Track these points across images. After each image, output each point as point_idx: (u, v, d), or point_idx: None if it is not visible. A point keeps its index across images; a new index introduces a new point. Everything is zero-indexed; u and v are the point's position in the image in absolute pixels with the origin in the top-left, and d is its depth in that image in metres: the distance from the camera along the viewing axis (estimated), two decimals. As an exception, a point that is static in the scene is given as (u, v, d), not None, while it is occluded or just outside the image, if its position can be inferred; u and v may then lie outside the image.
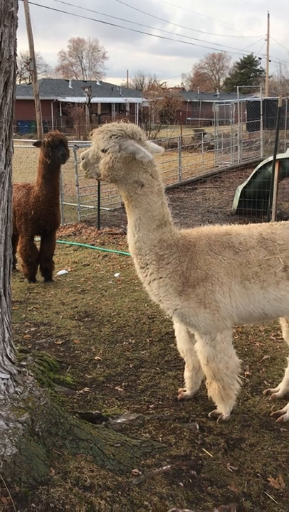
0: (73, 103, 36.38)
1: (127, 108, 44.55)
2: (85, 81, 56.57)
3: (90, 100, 30.17)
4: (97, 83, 53.85)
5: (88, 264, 7.28)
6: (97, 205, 9.44)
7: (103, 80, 60.67)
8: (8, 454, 2.38)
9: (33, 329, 4.79)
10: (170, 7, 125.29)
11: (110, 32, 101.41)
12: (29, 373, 2.72)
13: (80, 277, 6.67)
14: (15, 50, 2.22)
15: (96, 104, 34.17)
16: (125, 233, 8.73)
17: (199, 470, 2.74)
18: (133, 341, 4.56)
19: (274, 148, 7.92)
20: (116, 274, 6.70)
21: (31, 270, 6.40)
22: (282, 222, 3.21)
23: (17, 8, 2.20)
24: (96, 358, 4.20)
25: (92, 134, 2.87)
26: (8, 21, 2.09)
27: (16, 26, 2.23)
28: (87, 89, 28.89)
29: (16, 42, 2.25)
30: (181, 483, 2.60)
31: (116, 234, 8.75)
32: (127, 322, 5.02)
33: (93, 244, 8.27)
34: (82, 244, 8.30)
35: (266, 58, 49.81)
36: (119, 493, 2.43)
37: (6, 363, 2.59)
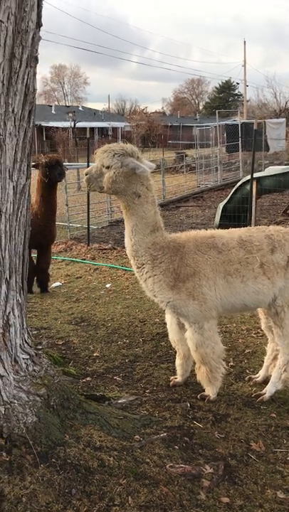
0: (57, 128, 37.23)
1: (110, 132, 45.56)
2: (68, 106, 57.73)
3: (75, 124, 30.95)
4: (80, 108, 55.00)
5: (80, 277, 7.73)
6: (87, 222, 9.94)
7: (85, 105, 61.93)
8: (30, 421, 2.80)
9: (34, 332, 5.20)
10: (148, 34, 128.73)
11: (91, 58, 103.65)
12: (44, 356, 3.17)
13: (74, 288, 7.11)
14: (36, 85, 2.74)
15: (81, 128, 35.01)
16: (114, 248, 9.29)
17: (191, 437, 3.19)
18: (127, 341, 5.01)
19: (251, 167, 8.56)
20: (107, 285, 7.16)
21: (28, 282, 6.80)
22: (258, 226, 3.76)
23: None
24: (95, 354, 4.64)
25: (95, 153, 3.39)
26: (33, 63, 2.61)
27: (36, 66, 2.75)
28: (71, 114, 29.67)
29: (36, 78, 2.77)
30: (176, 447, 3.05)
31: (105, 249, 9.23)
32: (120, 325, 5.47)
33: (84, 259, 8.73)
34: (73, 259, 8.76)
35: (244, 83, 51.63)
36: (125, 453, 2.87)
37: (25, 346, 3.03)
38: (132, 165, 3.27)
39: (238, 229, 3.74)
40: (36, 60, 2.64)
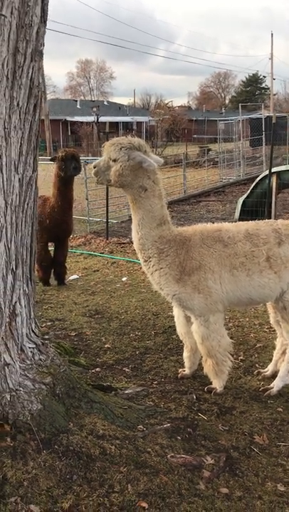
0: (81, 122, 37.47)
1: (134, 127, 45.58)
2: (93, 101, 57.96)
3: (98, 119, 31.10)
4: (105, 103, 55.18)
5: (98, 270, 7.81)
6: (106, 217, 10.01)
7: (110, 100, 62.11)
8: (35, 409, 2.87)
9: (49, 323, 5.30)
10: (175, 27, 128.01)
11: (117, 53, 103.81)
12: (51, 346, 3.23)
13: (91, 281, 7.20)
14: (41, 78, 2.79)
15: (104, 123, 35.25)
16: (132, 242, 9.33)
17: (195, 428, 3.22)
18: (139, 333, 5.06)
19: (269, 161, 8.47)
20: (124, 278, 7.22)
21: (45, 274, 6.94)
22: (266, 220, 3.74)
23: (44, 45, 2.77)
24: (106, 346, 4.70)
25: (104, 146, 3.42)
26: (37, 57, 2.66)
27: (42, 60, 2.80)
28: (95, 109, 29.86)
29: (42, 72, 2.82)
30: (179, 437, 3.08)
31: (124, 243, 9.29)
32: (133, 318, 5.51)
33: (102, 253, 8.81)
34: (92, 253, 8.85)
35: (270, 77, 50.90)
36: (127, 442, 2.91)
37: (32, 335, 3.10)
38: (138, 158, 3.29)
39: (245, 222, 3.73)
40: (41, 54, 2.69)
